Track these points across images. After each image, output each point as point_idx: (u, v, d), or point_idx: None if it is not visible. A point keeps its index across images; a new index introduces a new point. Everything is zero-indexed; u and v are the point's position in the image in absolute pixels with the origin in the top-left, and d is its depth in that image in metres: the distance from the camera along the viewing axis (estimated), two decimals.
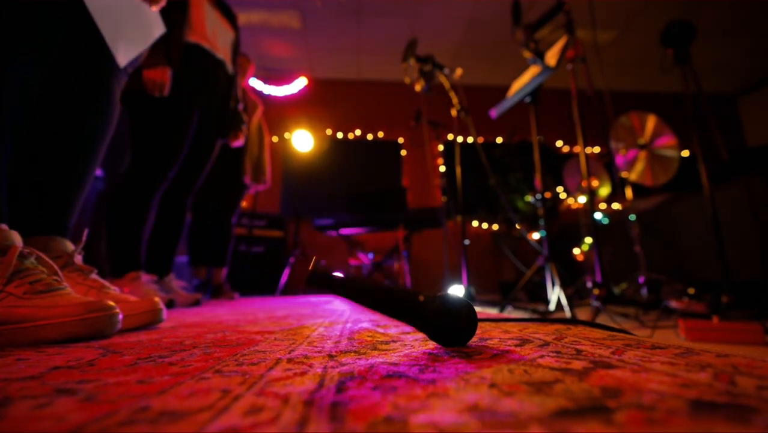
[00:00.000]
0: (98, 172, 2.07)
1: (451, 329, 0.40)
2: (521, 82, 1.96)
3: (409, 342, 0.46)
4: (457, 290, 2.45)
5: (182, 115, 1.55)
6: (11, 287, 0.60)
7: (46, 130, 0.87)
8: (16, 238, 0.67)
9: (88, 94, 0.92)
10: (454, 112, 2.34)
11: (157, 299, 0.75)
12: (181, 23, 1.53)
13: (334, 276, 0.41)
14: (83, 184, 0.91)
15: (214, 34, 1.67)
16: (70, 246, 0.82)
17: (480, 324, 0.62)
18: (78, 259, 0.81)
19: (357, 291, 0.40)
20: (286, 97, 4.83)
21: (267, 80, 4.72)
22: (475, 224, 4.68)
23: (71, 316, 0.57)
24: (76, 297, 0.62)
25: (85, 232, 0.85)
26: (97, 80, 0.93)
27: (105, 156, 1.85)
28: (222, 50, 1.71)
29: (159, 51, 1.46)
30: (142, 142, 1.49)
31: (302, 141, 4.06)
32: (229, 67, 1.78)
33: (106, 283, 0.79)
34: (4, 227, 0.67)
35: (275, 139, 4.72)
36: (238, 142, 1.92)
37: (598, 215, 3.55)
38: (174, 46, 1.50)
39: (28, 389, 0.28)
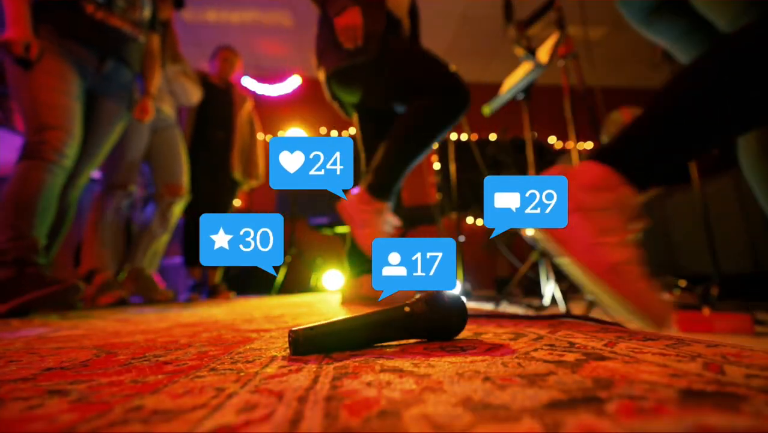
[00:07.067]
0: (96, 174, 2.04)
1: (443, 327, 0.41)
2: (514, 79, 1.97)
3: None
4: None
5: None
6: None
7: None
8: None
9: None
10: None
11: None
12: None
13: (318, 335, 0.39)
14: None
15: None
16: None
17: (476, 320, 0.62)
18: None
19: (346, 339, 0.39)
20: (280, 96, 4.80)
21: (260, 79, 4.69)
22: (469, 220, 4.68)
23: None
24: None
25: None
26: None
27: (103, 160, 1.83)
28: None
29: None
30: None
31: None
32: None
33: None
34: None
35: (269, 137, 4.70)
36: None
37: None
38: None
39: (19, 390, 0.27)
